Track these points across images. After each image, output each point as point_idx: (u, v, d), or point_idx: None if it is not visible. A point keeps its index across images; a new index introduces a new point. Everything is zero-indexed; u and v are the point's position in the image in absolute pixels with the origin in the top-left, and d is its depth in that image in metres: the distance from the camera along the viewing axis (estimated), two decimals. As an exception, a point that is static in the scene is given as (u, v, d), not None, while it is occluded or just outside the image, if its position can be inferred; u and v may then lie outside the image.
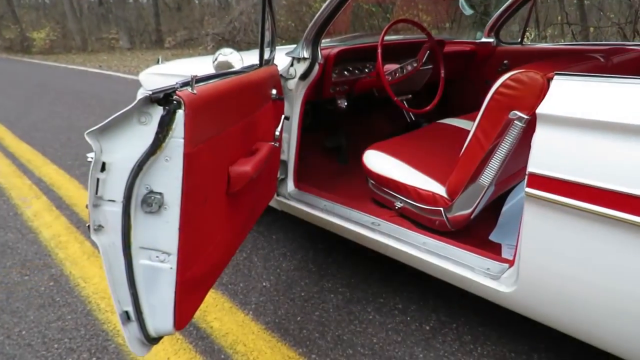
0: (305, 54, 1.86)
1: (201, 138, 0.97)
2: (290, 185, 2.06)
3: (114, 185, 0.90)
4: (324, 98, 2.15)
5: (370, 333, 1.68)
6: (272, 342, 1.64)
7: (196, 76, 0.95)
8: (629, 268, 1.07)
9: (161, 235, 0.95)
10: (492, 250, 1.60)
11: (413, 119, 2.59)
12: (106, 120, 0.86)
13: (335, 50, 2.02)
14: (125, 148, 0.89)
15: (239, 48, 4.38)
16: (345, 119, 2.67)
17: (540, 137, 1.16)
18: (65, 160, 3.80)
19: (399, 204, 1.79)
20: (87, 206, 0.91)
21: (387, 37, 2.14)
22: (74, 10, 19.17)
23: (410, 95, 2.47)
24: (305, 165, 2.43)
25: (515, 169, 1.65)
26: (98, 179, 0.90)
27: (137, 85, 2.82)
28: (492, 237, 1.80)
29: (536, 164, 1.16)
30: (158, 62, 2.53)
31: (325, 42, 2.34)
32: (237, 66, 1.59)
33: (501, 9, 2.75)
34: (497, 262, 1.42)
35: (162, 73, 2.50)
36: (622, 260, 1.07)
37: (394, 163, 1.80)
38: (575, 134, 1.10)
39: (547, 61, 1.47)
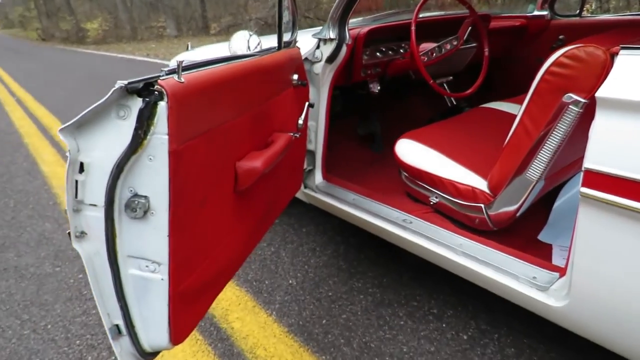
0: (332, 35, 1.70)
1: (193, 132, 0.86)
2: (318, 177, 1.93)
3: (95, 188, 0.81)
4: (354, 82, 1.99)
5: (400, 341, 1.53)
6: (294, 347, 1.54)
7: (182, 62, 0.82)
8: None
9: (149, 243, 0.85)
10: (541, 253, 1.40)
11: (454, 103, 2.37)
12: (81, 114, 0.76)
13: (366, 29, 1.84)
14: (104, 146, 0.79)
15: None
16: (379, 104, 2.49)
17: (601, 125, 0.96)
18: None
19: (434, 199, 1.62)
20: (65, 211, 0.82)
21: (425, 14, 1.95)
22: (125, 0, 19.73)
23: (451, 77, 2.26)
24: (335, 155, 2.29)
25: (569, 161, 1.43)
26: (77, 181, 0.81)
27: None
28: (542, 236, 1.59)
29: (594, 159, 0.97)
30: (187, 49, 2.46)
31: (356, 21, 2.17)
32: (253, 50, 1.46)
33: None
34: (546, 271, 1.23)
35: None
36: None
37: (429, 153, 1.63)
38: (645, 123, 0.89)
39: (609, 33, 1.24)
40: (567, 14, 2.60)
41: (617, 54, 0.98)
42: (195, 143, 0.87)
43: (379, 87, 2.08)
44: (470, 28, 2.00)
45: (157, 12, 20.41)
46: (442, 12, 2.52)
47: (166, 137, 0.78)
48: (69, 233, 0.83)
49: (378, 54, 1.98)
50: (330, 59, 1.74)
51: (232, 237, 1.13)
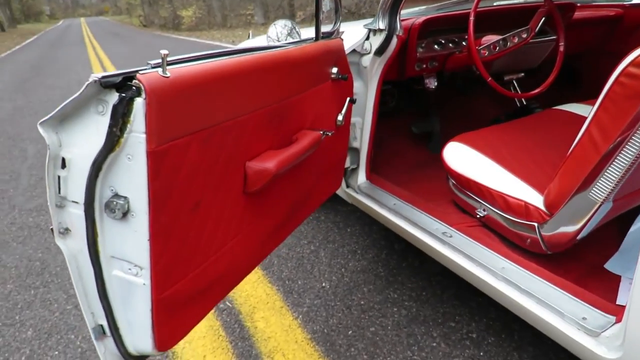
0: (381, 25, 1.57)
1: (181, 131, 0.79)
2: (361, 177, 1.81)
3: (77, 185, 0.77)
4: (408, 77, 1.83)
5: (428, 365, 1.39)
6: (314, 356, 1.46)
7: (167, 54, 0.76)
8: None
9: (131, 246, 0.81)
10: (606, 286, 1.19)
11: (524, 103, 2.11)
12: (59, 107, 0.72)
13: (421, 19, 1.68)
14: (84, 142, 0.75)
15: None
16: (439, 100, 2.30)
17: None
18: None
19: (481, 212, 1.44)
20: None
21: (497, 2, 1.73)
22: (217, -11, 20.57)
23: (522, 74, 2.01)
24: (385, 153, 2.15)
25: None
26: (59, 177, 0.78)
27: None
28: (609, 265, 1.36)
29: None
30: (248, 37, 2.45)
31: (416, 10, 2.00)
32: (284, 40, 1.37)
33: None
34: (600, 312, 1.03)
35: None
36: None
37: (480, 160, 1.45)
38: None
39: None
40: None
41: None
42: (184, 142, 0.80)
43: (435, 83, 1.90)
44: (544, 19, 1.74)
45: (247, 0, 21.08)
46: (519, 0, 2.25)
47: (144, 135, 0.73)
48: (52, 229, 0.81)
49: (436, 46, 1.81)
50: (380, 51, 1.61)
51: (237, 242, 1.06)
